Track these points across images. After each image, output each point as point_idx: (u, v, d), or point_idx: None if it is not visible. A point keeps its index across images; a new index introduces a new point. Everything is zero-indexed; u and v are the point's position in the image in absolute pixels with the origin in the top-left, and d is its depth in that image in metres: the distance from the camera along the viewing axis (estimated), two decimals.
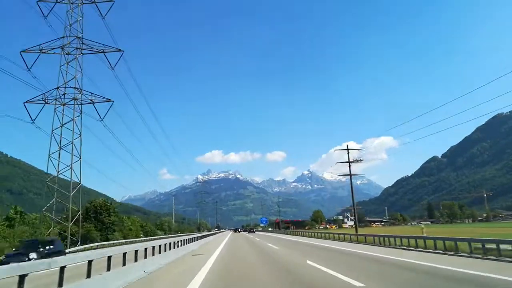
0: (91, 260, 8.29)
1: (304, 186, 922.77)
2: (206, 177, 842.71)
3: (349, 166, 39.29)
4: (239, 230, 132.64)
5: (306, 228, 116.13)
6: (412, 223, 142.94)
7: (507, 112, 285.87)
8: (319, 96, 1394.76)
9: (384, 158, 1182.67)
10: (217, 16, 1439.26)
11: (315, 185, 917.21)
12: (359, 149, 55.30)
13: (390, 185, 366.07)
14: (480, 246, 14.17)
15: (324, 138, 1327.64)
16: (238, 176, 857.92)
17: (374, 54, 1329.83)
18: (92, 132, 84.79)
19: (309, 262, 13.32)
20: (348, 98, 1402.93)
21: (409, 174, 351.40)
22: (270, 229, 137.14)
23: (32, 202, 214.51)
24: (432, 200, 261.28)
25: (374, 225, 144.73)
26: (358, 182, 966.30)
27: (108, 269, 9.08)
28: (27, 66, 35.00)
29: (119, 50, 38.66)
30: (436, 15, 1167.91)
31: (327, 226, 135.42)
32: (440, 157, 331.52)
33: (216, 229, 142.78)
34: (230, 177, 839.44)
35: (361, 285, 7.88)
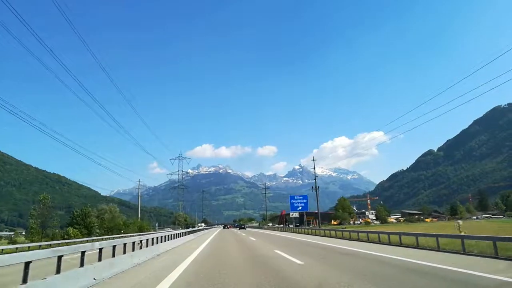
0: None
1: (295, 181, 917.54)
2: (196, 171, 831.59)
3: None
4: (228, 226, 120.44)
5: (335, 222, 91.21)
6: (473, 217, 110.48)
7: (505, 105, 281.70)
8: (312, 91, 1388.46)
9: (375, 154, 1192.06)
10: (210, 8, 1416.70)
11: (306, 180, 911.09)
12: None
13: (384, 179, 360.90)
14: None
15: (316, 133, 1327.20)
16: (229, 170, 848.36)
17: (371, 49, 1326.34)
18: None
19: None
20: (341, 94, 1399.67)
21: (404, 168, 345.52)
22: (270, 224, 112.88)
23: (10, 194, 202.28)
24: (429, 194, 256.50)
25: (428, 219, 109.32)
26: (349, 177, 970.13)
27: None
28: None
29: None
30: (433, 8, 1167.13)
31: (360, 220, 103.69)
32: (436, 150, 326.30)
33: (203, 225, 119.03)
34: (220, 171, 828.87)
35: None
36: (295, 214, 66.72)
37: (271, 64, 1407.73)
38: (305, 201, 64.83)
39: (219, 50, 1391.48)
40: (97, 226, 53.46)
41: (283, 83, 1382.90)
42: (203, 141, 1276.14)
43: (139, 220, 71.56)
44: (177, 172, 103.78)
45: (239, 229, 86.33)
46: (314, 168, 58.85)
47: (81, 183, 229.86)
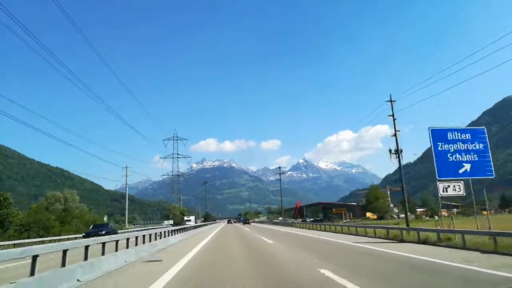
0: None
1: (299, 175, 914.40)
2: (201, 165, 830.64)
3: None
4: (233, 221, 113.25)
5: (373, 216, 71.62)
6: None
7: None
8: (316, 84, 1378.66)
9: (379, 147, 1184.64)
10: (209, 2, 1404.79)
11: (310, 174, 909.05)
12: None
13: (391, 172, 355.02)
14: None
15: (320, 127, 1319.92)
16: (233, 164, 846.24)
17: (374, 42, 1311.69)
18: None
19: None
20: (345, 87, 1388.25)
21: (412, 161, 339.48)
22: (280, 218, 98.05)
23: (12, 188, 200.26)
24: None
25: (485, 212, 74.91)
26: (353, 170, 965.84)
27: None
28: None
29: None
30: None
31: (400, 214, 77.85)
32: None
33: (191, 221, 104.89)
34: (225, 165, 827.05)
35: None
36: (456, 188, 18.72)
37: (274, 58, 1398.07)
38: (482, 147, 19.94)
39: (220, 44, 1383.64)
40: (18, 221, 35.00)
41: (286, 77, 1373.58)
42: (207, 135, 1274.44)
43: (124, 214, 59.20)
44: (171, 156, 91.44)
45: (243, 224, 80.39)
46: (393, 117, 30.57)
47: (84, 177, 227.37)
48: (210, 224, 72.67)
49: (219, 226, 66.30)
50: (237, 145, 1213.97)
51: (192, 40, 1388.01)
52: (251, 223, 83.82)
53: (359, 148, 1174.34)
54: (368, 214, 73.33)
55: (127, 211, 60.88)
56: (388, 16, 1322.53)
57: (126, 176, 63.21)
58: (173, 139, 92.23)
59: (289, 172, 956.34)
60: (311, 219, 71.63)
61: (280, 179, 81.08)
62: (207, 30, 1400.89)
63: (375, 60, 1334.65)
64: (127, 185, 64.16)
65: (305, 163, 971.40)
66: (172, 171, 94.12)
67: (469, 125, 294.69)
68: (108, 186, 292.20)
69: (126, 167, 64.10)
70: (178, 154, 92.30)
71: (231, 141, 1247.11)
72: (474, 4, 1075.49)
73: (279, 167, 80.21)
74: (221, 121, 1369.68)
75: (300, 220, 76.26)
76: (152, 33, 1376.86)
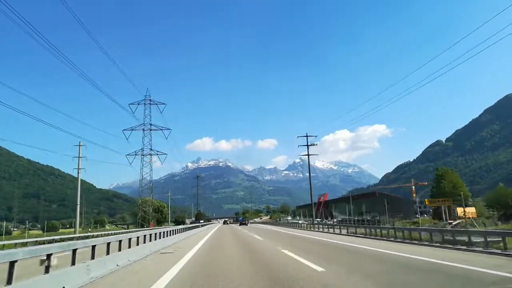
0: None
1: (295, 175, 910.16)
2: (196, 165, 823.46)
3: None
4: (228, 221, 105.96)
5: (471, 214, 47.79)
6: None
7: None
8: (313, 84, 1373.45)
9: (376, 147, 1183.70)
10: (209, 3, 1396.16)
11: (307, 174, 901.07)
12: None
13: (390, 171, 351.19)
14: None
15: (317, 126, 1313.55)
16: (229, 164, 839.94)
17: (375, 40, 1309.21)
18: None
19: None
20: (344, 86, 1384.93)
21: (411, 160, 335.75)
22: (289, 218, 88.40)
23: (0, 187, 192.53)
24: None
25: None
26: (350, 170, 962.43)
27: None
28: None
29: None
30: None
31: None
32: (444, 141, 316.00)
33: (192, 222, 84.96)
34: (220, 165, 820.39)
35: None
36: None
37: (272, 57, 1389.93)
38: None
39: (219, 43, 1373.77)
40: None
41: (284, 76, 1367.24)
42: (202, 134, 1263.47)
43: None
44: (140, 127, 59.49)
45: (240, 225, 69.26)
46: None
47: (75, 176, 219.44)
48: (191, 228, 38.41)
49: (211, 230, 45.52)
50: (233, 144, 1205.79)
51: (190, 40, 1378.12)
52: (248, 224, 74.22)
53: (355, 147, 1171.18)
54: (465, 210, 47.16)
55: (78, 206, 40.55)
56: (388, 16, 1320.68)
57: (79, 157, 43.28)
58: (145, 103, 61.60)
59: (285, 172, 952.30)
60: (338, 219, 55.32)
61: (308, 160, 54.67)
62: (206, 31, 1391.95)
63: (374, 60, 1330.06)
64: (79, 170, 43.77)
65: (301, 163, 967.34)
66: (143, 148, 61.00)
67: (470, 123, 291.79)
68: (100, 185, 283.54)
69: (80, 144, 43.34)
70: (151, 124, 62.32)
71: (227, 140, 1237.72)
72: (475, 3, 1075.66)
73: (306, 135, 51.84)
74: (217, 120, 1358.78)
75: (334, 220, 59.74)
76: (151, 33, 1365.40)
